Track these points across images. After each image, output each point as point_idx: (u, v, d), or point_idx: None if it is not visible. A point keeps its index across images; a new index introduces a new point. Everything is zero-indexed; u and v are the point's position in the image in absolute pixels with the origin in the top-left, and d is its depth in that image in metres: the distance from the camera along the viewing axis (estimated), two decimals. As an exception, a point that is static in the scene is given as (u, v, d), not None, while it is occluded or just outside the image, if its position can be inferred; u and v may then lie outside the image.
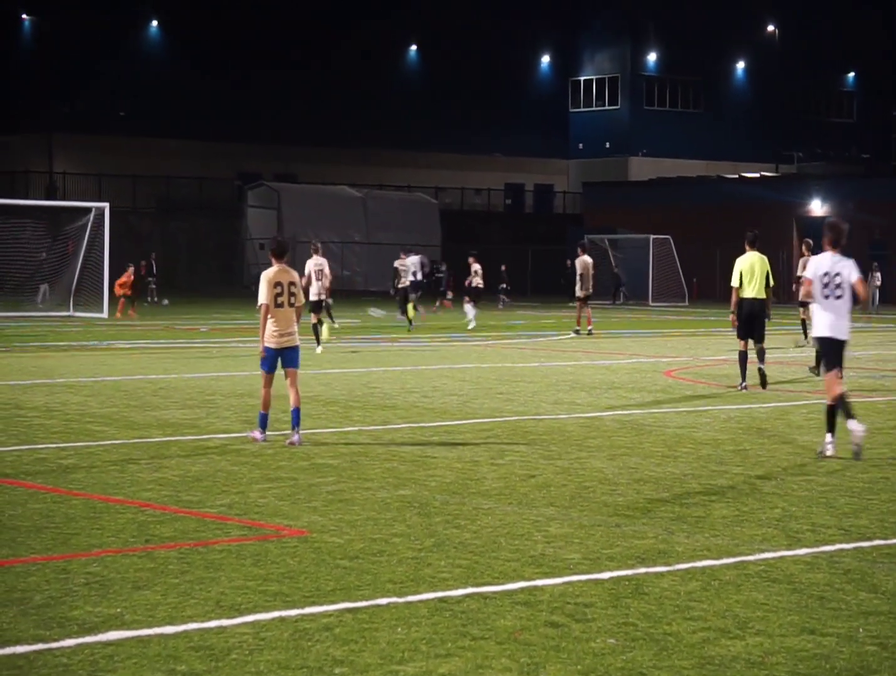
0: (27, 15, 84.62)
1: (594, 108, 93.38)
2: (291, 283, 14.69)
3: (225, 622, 7.56)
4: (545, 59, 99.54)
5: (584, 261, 36.25)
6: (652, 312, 56.85)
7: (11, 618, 7.57)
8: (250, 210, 73.15)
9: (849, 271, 13.72)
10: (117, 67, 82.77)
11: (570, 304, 62.62)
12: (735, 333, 21.00)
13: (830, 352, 13.85)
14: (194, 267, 58.73)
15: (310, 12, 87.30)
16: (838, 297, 13.69)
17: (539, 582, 8.52)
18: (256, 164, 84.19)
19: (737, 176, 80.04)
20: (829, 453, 13.88)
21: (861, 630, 7.60)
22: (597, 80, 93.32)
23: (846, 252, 14.10)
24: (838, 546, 9.72)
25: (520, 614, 7.81)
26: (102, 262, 42.58)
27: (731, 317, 20.74)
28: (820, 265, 13.82)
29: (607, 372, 24.06)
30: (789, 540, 9.89)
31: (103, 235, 42.84)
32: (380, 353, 28.61)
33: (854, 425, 13.65)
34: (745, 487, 12.04)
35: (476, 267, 41.90)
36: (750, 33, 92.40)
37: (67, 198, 67.88)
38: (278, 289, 14.59)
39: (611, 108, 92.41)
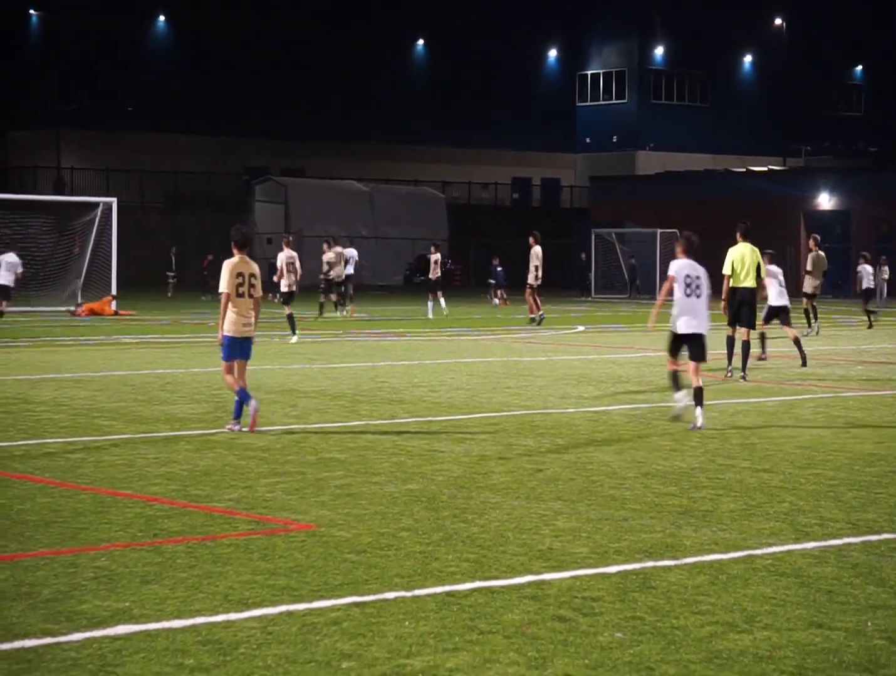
0: (34, 10, 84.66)
1: (601, 102, 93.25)
2: (252, 275, 14.88)
3: (233, 616, 7.56)
4: (552, 54, 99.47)
5: (535, 251, 37.20)
6: (659, 306, 56.63)
7: (20, 612, 7.58)
8: (258, 204, 73.15)
9: (705, 275, 15.70)
10: (125, 63, 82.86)
11: (583, 298, 63.08)
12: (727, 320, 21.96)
13: (694, 345, 15.60)
14: (202, 261, 58.89)
15: (317, 8, 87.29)
16: (698, 296, 15.51)
17: (547, 576, 8.51)
18: (264, 159, 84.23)
19: (744, 169, 79.92)
20: (683, 403, 15.54)
21: (869, 623, 7.58)
22: (604, 73, 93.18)
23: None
24: (846, 539, 9.70)
25: (527, 608, 7.80)
26: (110, 257, 42.63)
27: (722, 305, 21.48)
28: (683, 268, 15.60)
29: (615, 366, 24.04)
30: (797, 533, 9.88)
31: (111, 230, 42.88)
32: (387, 347, 28.60)
33: (680, 396, 15.60)
34: (753, 481, 12.03)
35: (436, 257, 41.64)
36: (757, 27, 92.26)
37: (75, 193, 67.93)
38: (240, 280, 14.79)
39: (618, 101, 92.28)
